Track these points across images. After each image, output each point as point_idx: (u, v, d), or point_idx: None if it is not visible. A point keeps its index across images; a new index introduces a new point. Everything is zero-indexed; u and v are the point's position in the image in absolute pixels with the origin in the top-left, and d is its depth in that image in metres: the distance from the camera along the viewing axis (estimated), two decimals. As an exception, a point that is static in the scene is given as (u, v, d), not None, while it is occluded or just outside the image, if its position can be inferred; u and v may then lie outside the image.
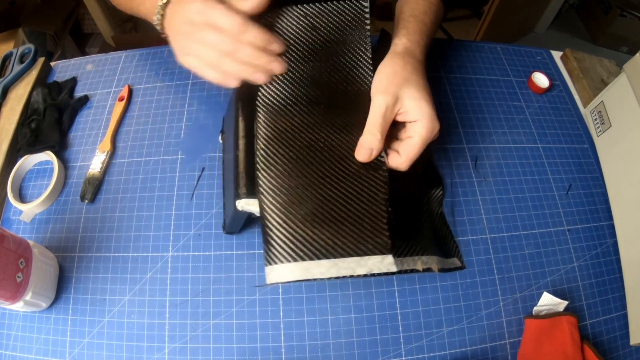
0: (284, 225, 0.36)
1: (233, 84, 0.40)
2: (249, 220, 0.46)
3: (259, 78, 0.40)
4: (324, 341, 0.43)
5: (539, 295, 0.46)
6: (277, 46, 0.40)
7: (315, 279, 0.34)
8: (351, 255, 0.34)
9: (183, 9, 0.41)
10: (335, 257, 0.34)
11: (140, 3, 0.48)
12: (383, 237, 0.35)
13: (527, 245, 0.49)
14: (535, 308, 0.45)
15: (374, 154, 0.38)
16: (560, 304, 0.44)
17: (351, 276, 0.34)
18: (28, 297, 0.40)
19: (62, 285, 0.45)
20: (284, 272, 0.34)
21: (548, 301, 0.45)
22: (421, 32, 0.46)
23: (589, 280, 0.48)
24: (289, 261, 0.34)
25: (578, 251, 0.50)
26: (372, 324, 0.44)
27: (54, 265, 0.45)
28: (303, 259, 0.34)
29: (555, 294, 0.45)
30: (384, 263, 0.34)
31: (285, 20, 0.45)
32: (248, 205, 0.39)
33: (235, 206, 0.39)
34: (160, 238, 0.47)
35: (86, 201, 0.49)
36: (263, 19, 0.44)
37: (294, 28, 0.46)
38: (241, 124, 0.43)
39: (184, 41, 0.41)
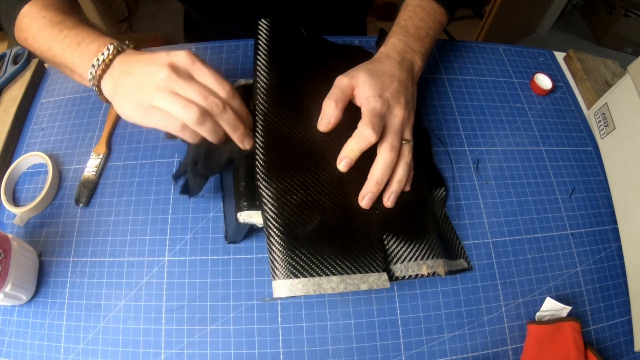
0: (293, 240, 0.37)
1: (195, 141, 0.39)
2: (251, 230, 0.46)
3: (248, 143, 0.41)
4: (323, 347, 0.42)
5: (542, 301, 0.45)
6: (249, 122, 0.41)
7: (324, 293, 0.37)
8: (355, 273, 0.38)
9: (156, 57, 0.37)
10: (342, 273, 0.37)
11: (77, 44, 0.40)
12: (379, 258, 0.39)
13: (529, 250, 0.48)
14: (538, 313, 0.45)
15: (332, 121, 0.41)
16: (564, 310, 0.43)
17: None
18: (7, 288, 0.40)
19: (56, 290, 0.44)
20: (297, 286, 0.36)
21: (551, 306, 0.44)
22: (400, 35, 0.49)
23: (593, 285, 0.48)
24: (303, 276, 0.36)
25: (581, 256, 0.49)
26: (372, 330, 0.43)
27: (34, 259, 0.45)
28: (316, 274, 0.36)
29: (559, 299, 0.44)
30: (381, 280, 0.38)
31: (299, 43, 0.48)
32: (250, 217, 0.39)
33: (236, 218, 0.39)
34: (156, 242, 0.46)
35: (81, 205, 0.48)
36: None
37: (302, 54, 0.47)
38: None
39: (153, 93, 0.35)
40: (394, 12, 1.95)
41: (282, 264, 0.36)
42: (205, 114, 0.36)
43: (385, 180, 0.40)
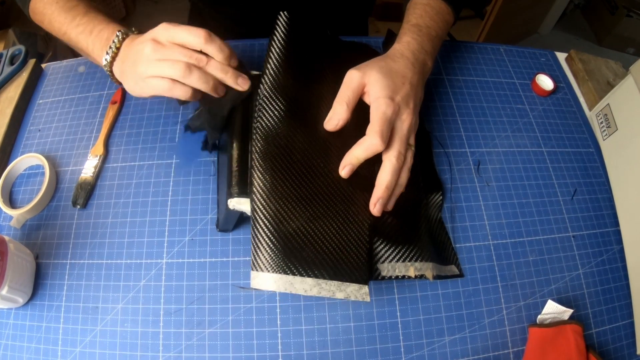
0: (275, 234, 0.37)
1: (198, 96, 0.43)
2: (242, 221, 0.46)
3: (220, 90, 0.43)
4: (322, 350, 0.42)
5: (543, 303, 0.45)
6: (234, 61, 0.43)
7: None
8: (333, 279, 0.37)
9: (143, 36, 0.43)
10: (318, 277, 0.36)
11: (89, 32, 0.47)
12: (362, 269, 0.38)
13: (531, 252, 0.48)
14: (539, 316, 0.44)
15: (340, 124, 0.41)
16: (565, 312, 0.43)
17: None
18: (4, 291, 0.40)
19: (53, 293, 0.44)
20: (269, 281, 0.36)
21: (552, 309, 0.44)
22: (414, 33, 0.48)
23: (595, 287, 0.47)
24: (276, 272, 0.36)
25: (583, 258, 0.49)
26: (372, 333, 0.43)
27: (31, 261, 0.44)
28: (291, 273, 0.36)
29: (560, 301, 0.44)
30: (360, 292, 0.37)
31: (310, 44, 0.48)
32: (239, 204, 0.40)
33: (227, 205, 0.40)
34: (154, 244, 0.45)
35: (78, 206, 0.48)
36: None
37: (313, 50, 0.48)
38: (237, 122, 0.44)
39: (145, 66, 0.41)
40: (394, 12, 1.94)
41: (257, 256, 0.36)
42: (191, 66, 0.40)
43: (393, 185, 0.40)
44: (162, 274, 0.44)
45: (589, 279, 0.48)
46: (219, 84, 0.42)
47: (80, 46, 0.48)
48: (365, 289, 0.37)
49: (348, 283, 0.37)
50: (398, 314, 0.43)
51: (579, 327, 0.41)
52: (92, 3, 0.50)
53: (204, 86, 0.41)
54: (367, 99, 0.42)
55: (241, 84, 0.43)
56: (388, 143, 0.40)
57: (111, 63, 0.45)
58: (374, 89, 0.41)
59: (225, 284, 0.44)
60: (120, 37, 0.44)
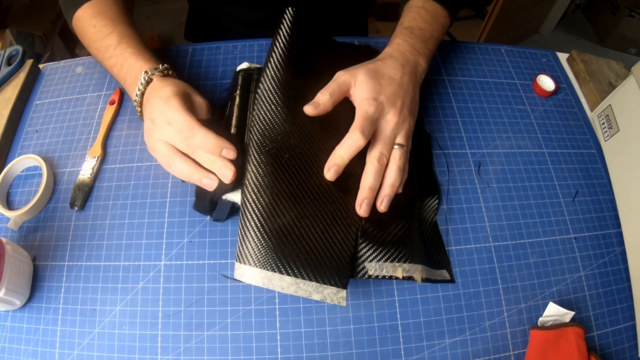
0: (261, 229, 0.37)
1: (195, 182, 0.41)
2: (233, 209, 0.46)
3: (208, 184, 0.40)
4: (322, 353, 0.41)
5: (545, 306, 0.44)
6: (229, 152, 0.39)
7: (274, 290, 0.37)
8: (311, 280, 0.37)
9: (152, 103, 0.42)
10: (297, 276, 0.37)
11: (121, 66, 0.47)
12: (342, 273, 0.38)
13: (532, 254, 0.48)
14: (540, 319, 0.44)
15: (321, 108, 0.42)
16: (567, 315, 0.43)
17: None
18: (1, 293, 0.39)
19: (51, 295, 0.44)
20: (249, 274, 0.36)
21: (554, 311, 0.43)
22: (405, 35, 0.48)
23: (596, 290, 0.47)
24: (256, 266, 0.36)
25: (585, 260, 0.48)
26: (372, 335, 0.42)
27: (28, 263, 0.44)
28: (270, 269, 0.36)
29: (562, 304, 0.44)
30: (337, 296, 0.37)
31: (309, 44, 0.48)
32: (231, 195, 0.40)
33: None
34: (152, 246, 0.45)
35: (76, 208, 0.47)
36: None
37: (316, 49, 0.48)
38: (235, 113, 0.45)
39: (146, 137, 0.42)
40: (394, 12, 1.94)
41: (242, 248, 0.37)
42: (174, 154, 0.40)
43: (377, 185, 0.41)
44: (161, 276, 0.44)
45: (590, 281, 0.47)
46: (207, 175, 0.40)
47: (114, 77, 0.49)
48: (342, 293, 0.37)
49: (326, 285, 0.37)
50: (398, 316, 0.43)
51: (581, 330, 0.41)
52: (127, 27, 0.50)
53: (186, 177, 0.40)
54: (354, 102, 0.43)
55: (224, 174, 0.39)
56: (371, 144, 0.41)
57: (139, 105, 0.46)
58: (360, 90, 0.42)
59: (224, 286, 0.43)
60: (146, 79, 0.44)
